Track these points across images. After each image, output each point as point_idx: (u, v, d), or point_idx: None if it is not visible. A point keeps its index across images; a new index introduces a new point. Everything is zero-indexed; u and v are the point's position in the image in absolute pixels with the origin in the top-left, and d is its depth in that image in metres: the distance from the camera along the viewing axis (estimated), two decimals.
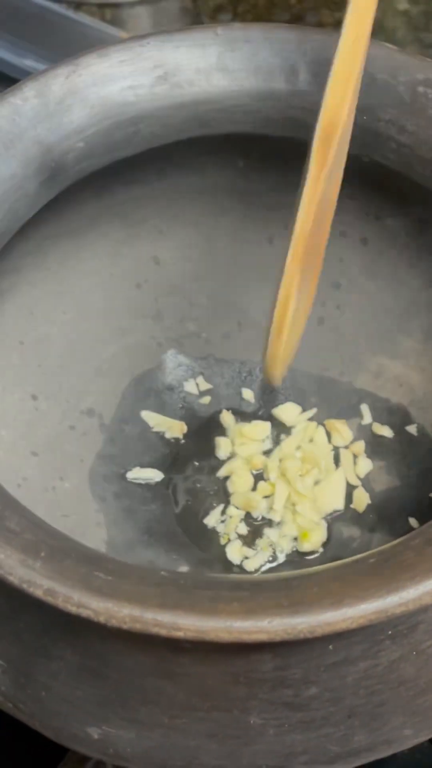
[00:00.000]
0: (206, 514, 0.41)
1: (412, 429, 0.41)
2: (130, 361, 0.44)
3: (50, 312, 0.42)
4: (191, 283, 0.44)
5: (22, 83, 0.36)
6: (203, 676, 0.28)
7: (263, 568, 0.39)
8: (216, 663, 0.27)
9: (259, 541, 0.40)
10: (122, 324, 0.44)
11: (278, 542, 0.39)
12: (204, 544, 0.40)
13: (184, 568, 0.39)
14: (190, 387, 0.44)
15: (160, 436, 0.43)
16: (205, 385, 0.44)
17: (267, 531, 0.40)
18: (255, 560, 0.39)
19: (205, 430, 0.44)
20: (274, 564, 0.39)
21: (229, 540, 0.40)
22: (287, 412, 0.44)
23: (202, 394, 0.44)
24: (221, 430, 0.43)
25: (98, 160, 0.37)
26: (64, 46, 0.61)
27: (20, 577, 0.25)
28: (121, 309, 0.44)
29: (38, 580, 0.25)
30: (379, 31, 0.63)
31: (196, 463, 0.43)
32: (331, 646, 0.27)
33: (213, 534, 0.41)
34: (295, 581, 0.26)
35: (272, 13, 0.64)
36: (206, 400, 0.44)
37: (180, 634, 0.24)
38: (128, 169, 0.39)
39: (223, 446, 0.43)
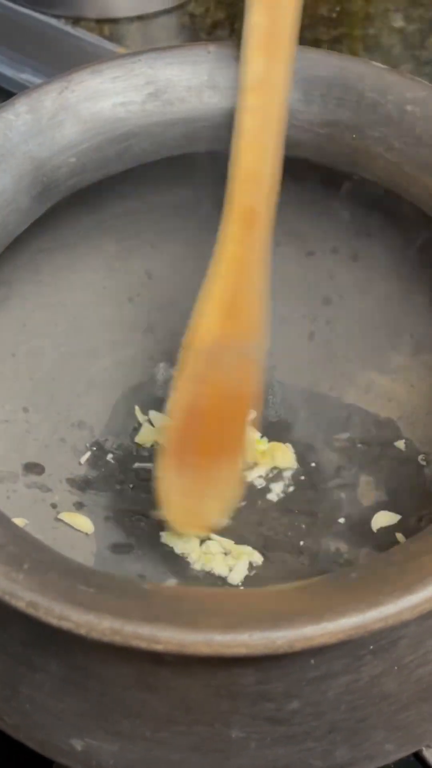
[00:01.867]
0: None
1: (400, 444, 0.41)
2: (122, 375, 0.44)
3: (42, 325, 0.42)
4: (183, 298, 0.44)
5: (15, 99, 0.36)
6: (185, 689, 0.28)
7: (250, 574, 0.39)
8: (198, 676, 0.27)
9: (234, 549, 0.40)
10: (114, 337, 0.44)
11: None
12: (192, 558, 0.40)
13: (172, 581, 0.39)
14: None
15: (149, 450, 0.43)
16: None
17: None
18: (238, 571, 0.39)
19: None
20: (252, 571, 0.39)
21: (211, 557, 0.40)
22: None
23: None
24: None
25: (90, 175, 0.37)
26: (62, 60, 0.61)
27: (2, 589, 0.26)
28: (113, 323, 0.44)
29: (20, 593, 0.26)
30: (375, 48, 0.64)
31: None
32: (312, 661, 0.27)
33: None
34: (277, 595, 0.26)
35: None
36: None
37: (160, 647, 0.24)
38: (120, 184, 0.39)
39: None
